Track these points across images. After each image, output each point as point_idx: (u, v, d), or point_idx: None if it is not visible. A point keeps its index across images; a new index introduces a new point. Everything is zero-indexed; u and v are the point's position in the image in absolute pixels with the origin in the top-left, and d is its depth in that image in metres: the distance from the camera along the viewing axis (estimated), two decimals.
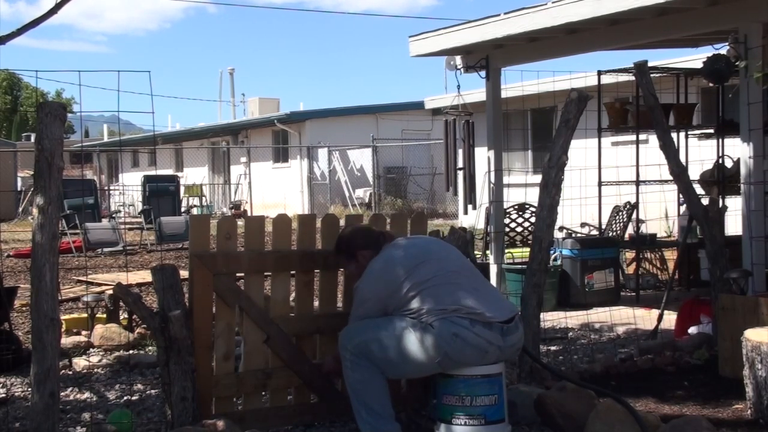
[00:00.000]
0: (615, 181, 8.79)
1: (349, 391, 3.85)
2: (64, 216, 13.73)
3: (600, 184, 8.78)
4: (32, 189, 3.84)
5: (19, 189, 24.78)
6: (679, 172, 5.68)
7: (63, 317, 6.55)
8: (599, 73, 8.97)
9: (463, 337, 3.63)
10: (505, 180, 8.36)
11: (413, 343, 3.68)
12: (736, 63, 6.24)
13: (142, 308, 3.92)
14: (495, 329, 3.69)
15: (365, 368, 3.77)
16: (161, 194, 19.58)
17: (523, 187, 8.47)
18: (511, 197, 8.98)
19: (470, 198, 8.44)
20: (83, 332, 6.53)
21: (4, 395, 5.00)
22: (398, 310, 3.77)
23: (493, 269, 8.12)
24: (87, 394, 5.02)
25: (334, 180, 23.65)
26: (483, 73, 8.15)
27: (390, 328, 3.75)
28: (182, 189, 22.59)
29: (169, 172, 26.33)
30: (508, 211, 9.18)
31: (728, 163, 8.21)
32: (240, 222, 4.51)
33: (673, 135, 6.68)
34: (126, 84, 5.32)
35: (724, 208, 7.69)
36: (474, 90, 11.50)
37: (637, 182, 8.63)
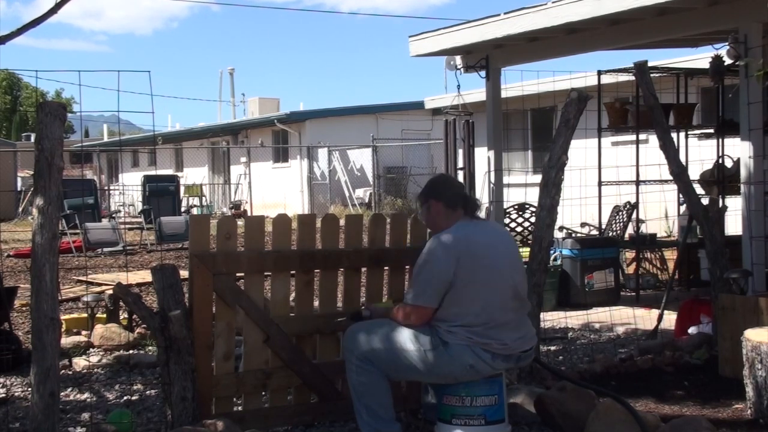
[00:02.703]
0: (615, 181, 8.79)
1: (351, 392, 3.85)
2: (64, 216, 13.72)
3: (600, 184, 8.79)
4: (32, 189, 3.84)
5: (19, 189, 24.76)
6: (679, 172, 5.68)
7: (63, 317, 6.55)
8: (599, 73, 8.97)
9: (477, 369, 3.65)
10: (505, 180, 8.36)
11: (422, 361, 3.67)
12: (736, 63, 6.24)
13: (142, 308, 3.92)
14: (512, 359, 3.74)
15: (370, 373, 3.76)
16: (161, 194, 19.57)
17: (523, 187, 8.47)
18: (511, 197, 8.98)
19: None
20: (83, 332, 6.53)
21: (4, 395, 5.00)
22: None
23: None
24: (87, 394, 5.02)
25: (334, 180, 23.63)
26: (483, 73, 8.15)
27: (403, 342, 3.69)
28: (182, 189, 22.57)
29: (169, 172, 26.30)
30: (508, 211, 9.18)
31: (728, 163, 8.21)
32: (240, 222, 4.51)
33: (673, 135, 6.68)
34: (126, 84, 5.33)
35: (724, 208, 7.69)
36: (474, 90, 11.49)
37: (637, 182, 8.63)
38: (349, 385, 3.88)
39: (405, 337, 3.69)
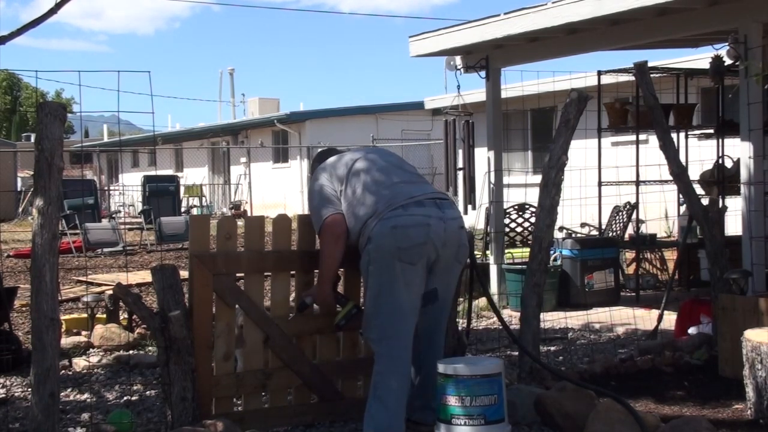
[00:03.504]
0: (615, 181, 8.79)
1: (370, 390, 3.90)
2: (63, 216, 13.72)
3: (600, 184, 8.78)
4: (32, 189, 3.84)
5: (19, 189, 24.77)
6: (679, 172, 5.67)
7: (63, 317, 6.55)
8: (599, 73, 8.97)
9: (401, 224, 3.78)
10: (505, 180, 8.36)
11: (378, 271, 3.80)
12: (736, 63, 6.24)
13: (142, 308, 3.92)
14: (428, 204, 3.87)
15: (387, 358, 3.82)
16: (161, 194, 19.57)
17: (523, 188, 8.47)
18: (511, 197, 8.98)
19: (470, 198, 8.44)
20: (83, 332, 6.53)
21: (4, 395, 5.00)
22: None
23: (493, 269, 8.12)
24: (87, 395, 5.02)
25: None
26: (483, 73, 8.15)
27: (370, 285, 3.87)
28: (182, 189, 22.57)
29: (169, 172, 26.31)
30: (508, 211, 9.18)
31: (728, 163, 8.21)
32: (240, 222, 4.51)
33: (673, 135, 6.68)
34: (126, 84, 5.33)
35: (724, 208, 7.70)
36: (474, 90, 11.50)
37: (637, 182, 8.63)
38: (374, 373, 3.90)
39: (368, 284, 3.86)
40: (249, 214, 20.55)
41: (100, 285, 9.49)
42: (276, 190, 24.51)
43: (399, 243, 3.78)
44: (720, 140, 8.42)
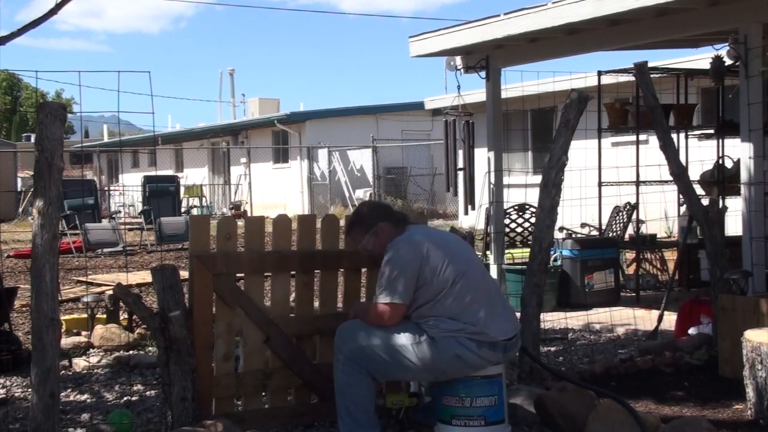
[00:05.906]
0: (615, 182, 8.79)
1: (335, 391, 3.85)
2: (64, 216, 13.73)
3: (600, 184, 8.78)
4: (32, 190, 3.84)
5: (19, 189, 24.79)
6: (679, 172, 5.67)
7: (63, 317, 6.54)
8: (599, 73, 8.97)
9: (464, 359, 3.65)
10: (505, 180, 8.35)
11: (412, 355, 3.68)
12: (736, 63, 6.24)
13: (142, 308, 3.92)
14: (499, 348, 3.72)
15: (356, 373, 3.77)
16: (161, 195, 19.57)
17: (523, 188, 8.46)
18: (511, 198, 8.98)
19: (470, 198, 8.44)
20: (83, 333, 6.53)
21: (4, 395, 5.00)
22: (416, 303, 3.72)
23: (493, 269, 8.12)
24: (86, 395, 5.01)
25: (334, 180, 23.64)
26: (483, 73, 8.14)
27: (390, 337, 3.71)
28: (182, 189, 22.58)
29: (169, 172, 26.32)
30: (508, 211, 9.18)
31: (728, 164, 8.21)
32: (240, 222, 4.51)
33: (673, 135, 6.67)
34: (126, 84, 5.33)
35: (724, 208, 7.70)
36: (474, 90, 11.50)
37: (637, 183, 8.63)
38: (334, 384, 3.86)
39: (392, 333, 3.71)
40: (249, 215, 20.56)
41: (100, 285, 9.49)
42: (276, 190, 24.51)
43: (448, 370, 3.71)
44: (720, 140, 8.42)
